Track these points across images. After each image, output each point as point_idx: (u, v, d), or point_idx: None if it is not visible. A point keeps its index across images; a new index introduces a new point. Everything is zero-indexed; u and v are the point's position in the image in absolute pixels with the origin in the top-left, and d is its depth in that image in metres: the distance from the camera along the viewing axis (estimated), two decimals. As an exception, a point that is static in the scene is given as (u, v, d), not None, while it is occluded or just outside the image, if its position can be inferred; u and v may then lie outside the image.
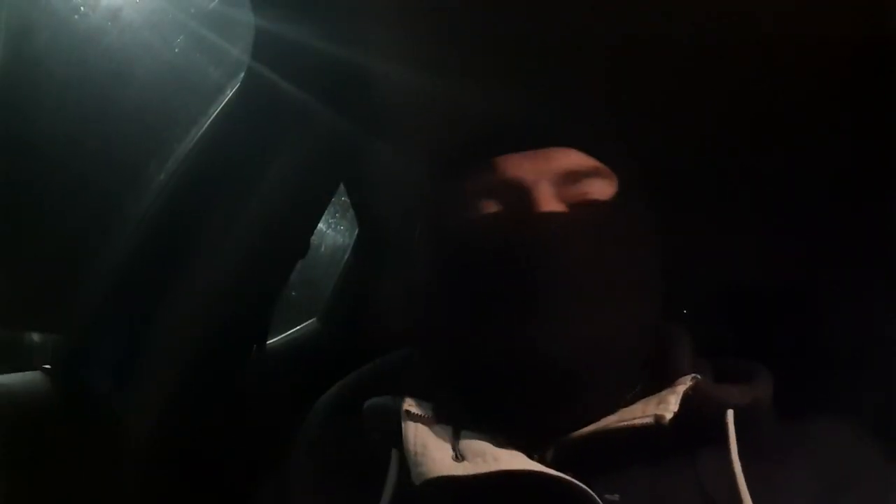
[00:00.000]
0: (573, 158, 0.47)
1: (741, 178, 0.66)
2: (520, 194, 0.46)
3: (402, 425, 0.44)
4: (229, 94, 0.68)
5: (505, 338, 0.43)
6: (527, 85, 0.56)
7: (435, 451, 0.42)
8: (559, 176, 0.47)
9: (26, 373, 0.63)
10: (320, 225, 0.89)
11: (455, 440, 0.43)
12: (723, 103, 0.59)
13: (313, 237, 0.85)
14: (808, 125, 0.58)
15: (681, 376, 0.44)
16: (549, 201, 0.45)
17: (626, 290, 0.45)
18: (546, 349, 0.42)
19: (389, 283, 0.95)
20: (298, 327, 1.09)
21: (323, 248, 1.24)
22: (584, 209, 0.46)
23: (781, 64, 0.53)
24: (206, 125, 0.68)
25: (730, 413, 0.42)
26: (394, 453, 0.45)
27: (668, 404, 0.41)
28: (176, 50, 0.71)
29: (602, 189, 0.48)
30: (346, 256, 1.12)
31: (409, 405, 0.45)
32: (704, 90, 0.58)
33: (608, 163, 0.48)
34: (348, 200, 0.98)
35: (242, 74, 0.67)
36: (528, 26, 0.53)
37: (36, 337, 0.73)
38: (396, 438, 0.44)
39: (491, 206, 0.48)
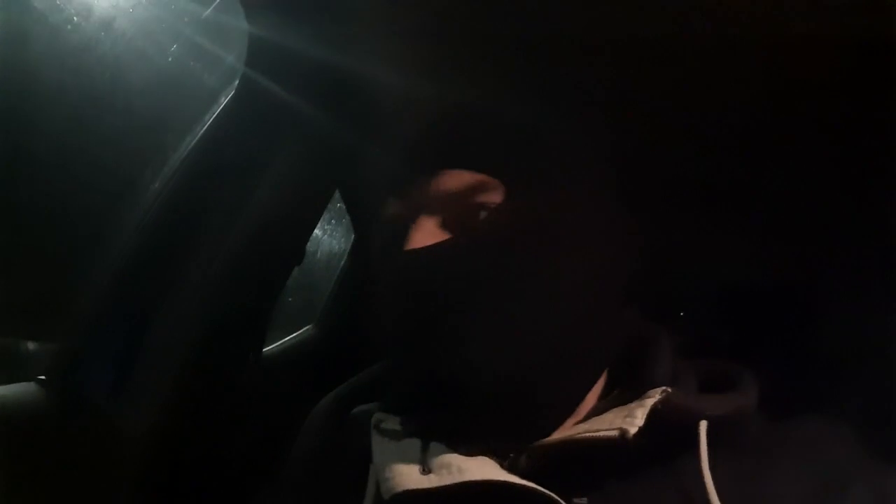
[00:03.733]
0: (455, 179, 0.46)
1: (738, 177, 0.66)
2: (403, 228, 0.46)
3: (372, 440, 0.45)
4: (224, 101, 0.69)
5: (416, 361, 0.44)
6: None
7: (402, 465, 0.42)
8: (437, 201, 0.46)
9: (21, 383, 0.63)
10: (316, 231, 0.89)
11: (423, 453, 0.43)
12: (718, 102, 0.59)
13: (309, 243, 0.85)
14: (807, 124, 0.58)
15: (653, 387, 0.44)
16: (421, 234, 0.45)
17: (536, 300, 0.44)
18: (452, 374, 0.43)
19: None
20: (295, 334, 1.09)
21: (319, 255, 1.24)
22: (463, 232, 0.46)
23: (781, 63, 0.53)
24: (200, 132, 0.68)
25: (703, 424, 0.42)
26: (371, 467, 0.45)
27: (635, 418, 0.41)
28: (170, 58, 0.72)
29: (488, 202, 0.46)
30: (342, 263, 1.12)
31: (380, 419, 0.46)
32: (700, 89, 0.58)
33: (496, 175, 0.46)
34: (344, 206, 0.98)
35: (237, 81, 0.67)
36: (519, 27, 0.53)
37: (31, 346, 0.72)
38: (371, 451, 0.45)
39: (389, 237, 0.48)
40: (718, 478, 0.40)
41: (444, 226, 0.46)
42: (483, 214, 0.46)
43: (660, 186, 0.55)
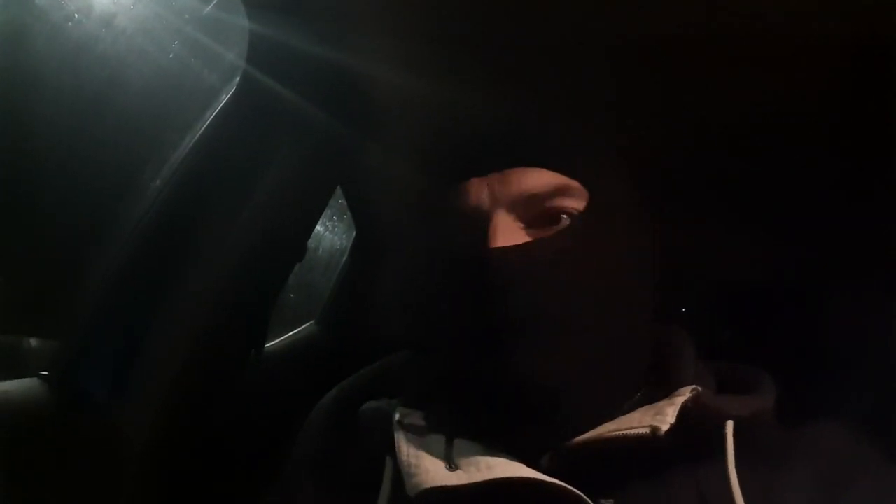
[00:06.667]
0: (537, 178, 0.46)
1: (741, 176, 0.66)
2: (478, 223, 0.46)
3: (395, 435, 0.44)
4: (224, 98, 0.69)
5: (482, 359, 0.43)
6: (498, 94, 0.55)
7: (428, 462, 0.42)
8: (519, 200, 0.45)
9: (24, 379, 0.63)
10: (318, 227, 0.89)
11: (448, 449, 0.43)
12: (722, 102, 0.59)
13: (311, 240, 0.85)
14: (808, 124, 0.58)
15: (681, 386, 0.44)
16: (505, 232, 0.45)
17: (602, 306, 0.44)
18: (518, 374, 0.42)
19: (387, 286, 0.96)
20: (296, 330, 1.09)
21: (320, 251, 1.25)
22: (544, 235, 0.45)
23: (782, 63, 0.53)
24: (201, 130, 0.68)
25: (729, 424, 0.42)
26: (388, 461, 0.45)
27: (665, 416, 0.41)
28: (171, 55, 0.72)
29: (570, 206, 0.46)
30: (343, 259, 1.12)
31: (402, 414, 0.45)
32: (704, 89, 0.58)
33: (578, 178, 0.46)
34: (346, 203, 0.98)
35: (237, 79, 0.67)
36: (508, 30, 0.53)
37: (33, 343, 0.73)
38: (391, 445, 0.44)
39: (457, 230, 0.47)
40: (741, 479, 0.40)
41: (525, 225, 0.46)
42: (565, 219, 0.46)
43: (666, 187, 0.55)
